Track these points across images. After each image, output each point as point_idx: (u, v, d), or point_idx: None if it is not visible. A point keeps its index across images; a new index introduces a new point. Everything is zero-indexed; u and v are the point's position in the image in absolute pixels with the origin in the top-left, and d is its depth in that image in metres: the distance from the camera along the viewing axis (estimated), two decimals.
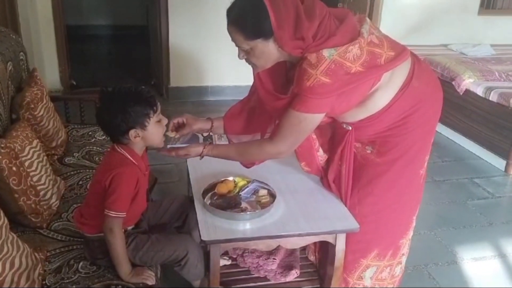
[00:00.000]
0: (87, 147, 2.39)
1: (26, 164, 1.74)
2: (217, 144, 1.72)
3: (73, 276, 1.52)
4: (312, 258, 2.01)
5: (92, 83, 4.78)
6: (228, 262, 1.98)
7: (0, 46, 2.17)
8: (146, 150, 1.63)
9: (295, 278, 1.91)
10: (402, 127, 1.58)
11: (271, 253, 1.98)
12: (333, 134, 1.79)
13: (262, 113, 1.72)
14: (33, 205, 1.71)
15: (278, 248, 1.87)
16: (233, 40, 1.47)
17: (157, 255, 1.61)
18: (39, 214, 1.74)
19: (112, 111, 1.49)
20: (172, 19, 4.33)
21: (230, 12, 1.44)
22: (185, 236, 1.73)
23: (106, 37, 7.19)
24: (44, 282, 1.49)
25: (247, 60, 1.52)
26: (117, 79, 5.17)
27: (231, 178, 1.86)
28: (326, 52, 1.40)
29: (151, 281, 1.53)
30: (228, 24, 1.44)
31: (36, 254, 1.50)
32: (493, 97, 3.46)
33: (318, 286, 1.90)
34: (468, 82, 3.70)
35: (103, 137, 2.49)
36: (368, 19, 1.54)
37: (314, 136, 1.78)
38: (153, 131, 1.54)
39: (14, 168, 1.64)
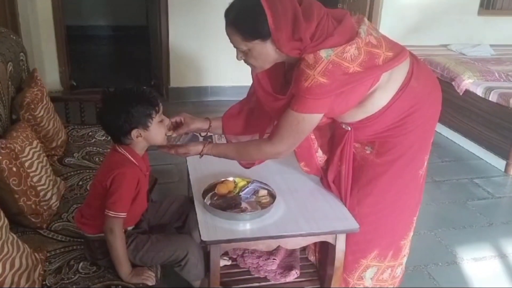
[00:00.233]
0: (87, 148, 2.39)
1: (26, 164, 1.74)
2: (217, 143, 1.72)
3: (73, 276, 1.52)
4: (312, 258, 2.01)
5: (92, 83, 4.78)
6: (228, 263, 1.98)
7: (0, 46, 2.18)
8: (146, 151, 1.63)
9: (295, 278, 1.91)
10: (401, 127, 1.58)
11: (271, 253, 1.98)
12: (332, 135, 1.79)
13: (261, 113, 1.72)
14: (33, 206, 1.71)
15: (278, 248, 1.87)
16: (231, 41, 1.47)
17: (157, 256, 1.61)
18: (39, 214, 1.74)
19: (114, 112, 1.49)
20: (172, 19, 4.34)
21: (228, 13, 1.44)
22: (185, 237, 1.73)
23: (106, 38, 7.19)
24: (44, 283, 1.49)
25: (245, 61, 1.52)
26: (117, 80, 5.18)
27: (231, 179, 1.86)
28: (323, 53, 1.40)
29: (151, 282, 1.53)
30: (226, 25, 1.45)
31: (36, 254, 1.50)
32: (493, 97, 3.46)
33: (318, 286, 1.90)
34: (468, 83, 3.70)
35: (103, 138, 2.49)
36: (366, 20, 1.54)
37: (313, 137, 1.78)
38: (156, 131, 1.54)
39: (14, 169, 1.64)
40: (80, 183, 2.08)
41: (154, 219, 1.81)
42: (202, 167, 1.96)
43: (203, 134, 1.82)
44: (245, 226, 1.65)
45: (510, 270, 2.38)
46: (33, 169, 1.78)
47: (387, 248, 1.76)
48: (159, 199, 2.01)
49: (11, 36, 2.42)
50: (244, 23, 1.42)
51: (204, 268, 1.68)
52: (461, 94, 3.73)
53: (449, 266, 2.37)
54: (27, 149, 1.78)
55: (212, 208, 1.68)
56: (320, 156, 1.83)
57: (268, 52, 1.46)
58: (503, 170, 3.44)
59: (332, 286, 1.78)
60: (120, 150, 1.55)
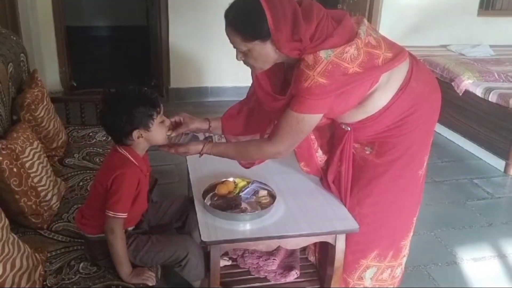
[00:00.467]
0: (88, 148, 2.39)
1: (27, 165, 1.75)
2: (217, 143, 1.72)
3: (73, 276, 1.53)
4: (312, 258, 2.01)
5: (93, 84, 4.77)
6: (228, 263, 1.98)
7: (1, 47, 2.18)
8: (147, 151, 1.64)
9: (295, 278, 1.91)
10: (401, 127, 1.58)
11: (271, 253, 1.99)
12: (332, 135, 1.79)
13: (261, 114, 1.72)
14: (33, 206, 1.72)
15: (278, 248, 1.88)
16: (231, 41, 1.47)
17: (157, 256, 1.61)
18: (40, 215, 1.74)
19: (116, 113, 1.49)
20: (172, 20, 4.34)
21: (228, 13, 1.44)
22: (185, 237, 1.74)
23: (106, 38, 7.20)
24: (44, 283, 1.49)
25: (245, 62, 1.53)
26: (117, 80, 5.17)
27: (231, 179, 1.86)
28: (323, 53, 1.40)
29: (151, 282, 1.53)
30: (226, 26, 1.45)
31: (36, 255, 1.50)
32: (492, 97, 3.46)
33: (318, 286, 1.90)
34: (468, 83, 3.70)
35: (104, 138, 2.49)
36: (365, 21, 1.55)
37: (313, 137, 1.78)
38: (157, 132, 1.54)
39: (14, 169, 1.65)
40: (81, 183, 2.08)
41: (154, 220, 1.81)
42: (202, 167, 1.96)
43: (206, 134, 1.82)
44: (245, 226, 1.65)
45: (509, 270, 2.38)
46: (34, 169, 1.78)
47: (387, 248, 1.76)
48: (160, 200, 2.01)
49: (12, 37, 2.43)
50: (244, 24, 1.42)
51: (204, 268, 1.68)
52: (460, 94, 3.73)
53: (449, 266, 2.38)
54: (27, 150, 1.79)
55: (212, 208, 1.68)
56: (320, 156, 1.84)
57: (268, 53, 1.46)
58: (502, 170, 3.44)
59: (332, 286, 1.78)
60: (120, 151, 1.55)
